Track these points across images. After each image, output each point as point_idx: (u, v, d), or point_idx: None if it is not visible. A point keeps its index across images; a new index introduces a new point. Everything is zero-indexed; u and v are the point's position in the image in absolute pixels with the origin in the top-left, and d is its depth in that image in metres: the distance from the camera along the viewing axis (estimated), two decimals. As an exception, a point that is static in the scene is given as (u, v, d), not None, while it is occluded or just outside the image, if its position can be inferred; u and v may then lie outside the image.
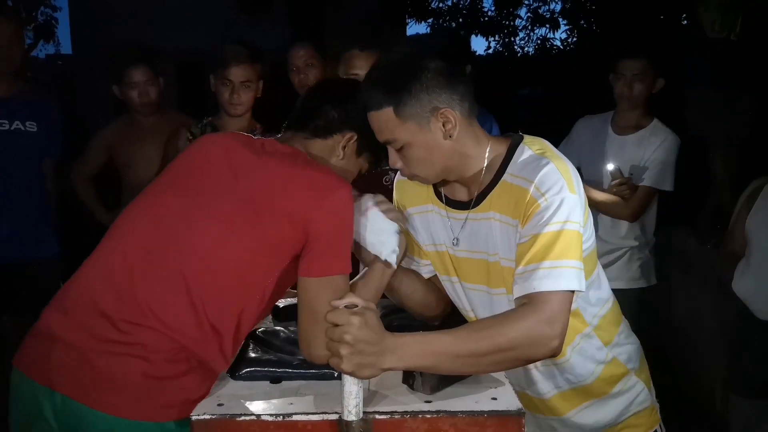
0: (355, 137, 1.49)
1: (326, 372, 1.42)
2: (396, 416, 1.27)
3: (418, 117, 1.32)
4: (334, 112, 1.48)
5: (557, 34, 10.55)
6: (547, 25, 10.59)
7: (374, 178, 2.18)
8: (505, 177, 1.37)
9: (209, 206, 1.38)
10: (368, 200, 1.49)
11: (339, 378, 1.23)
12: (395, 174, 2.16)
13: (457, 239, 1.46)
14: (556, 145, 2.88)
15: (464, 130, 1.36)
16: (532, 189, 1.31)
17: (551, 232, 1.27)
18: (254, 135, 2.54)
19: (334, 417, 1.26)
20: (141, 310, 1.32)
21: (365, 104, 1.37)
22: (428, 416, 1.26)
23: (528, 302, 1.26)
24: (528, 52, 10.97)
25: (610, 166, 2.59)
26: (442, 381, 1.37)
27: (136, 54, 2.94)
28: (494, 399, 1.32)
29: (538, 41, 10.86)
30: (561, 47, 10.75)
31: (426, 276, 1.60)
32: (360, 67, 2.24)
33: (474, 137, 1.39)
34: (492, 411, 1.27)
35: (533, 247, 1.28)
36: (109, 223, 2.75)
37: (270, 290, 1.40)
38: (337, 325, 1.16)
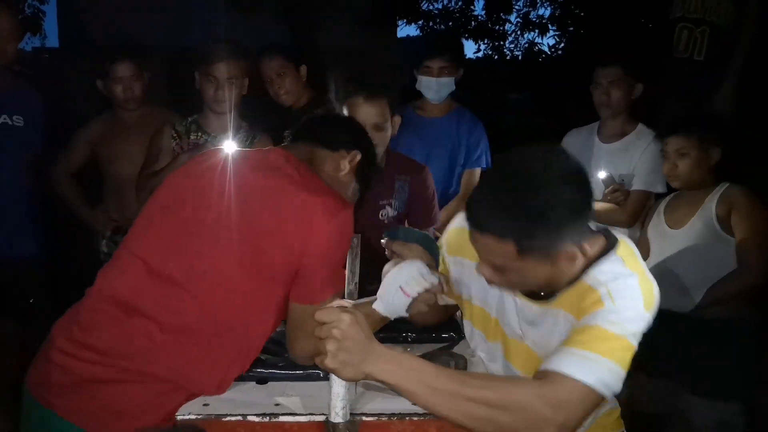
0: (359, 158, 1.59)
1: (312, 372, 1.42)
2: (383, 418, 1.28)
3: (540, 255, 1.21)
4: (343, 132, 1.63)
5: (545, 39, 10.57)
6: (536, 30, 10.64)
7: (371, 213, 2.18)
8: (584, 278, 1.28)
9: (209, 241, 1.40)
10: (407, 273, 1.45)
11: (326, 379, 1.23)
12: (391, 209, 2.19)
13: (522, 331, 1.39)
14: None
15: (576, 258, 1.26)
16: (602, 291, 1.24)
17: (610, 332, 1.19)
18: (241, 133, 2.55)
19: (321, 418, 1.26)
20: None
21: (473, 223, 1.23)
22: (415, 418, 1.27)
23: (543, 377, 1.17)
24: (517, 56, 11.02)
25: (602, 175, 2.64)
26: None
27: (122, 49, 2.90)
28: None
29: (527, 45, 10.91)
30: (549, 53, 10.80)
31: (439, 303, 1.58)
32: (365, 115, 2.13)
33: (577, 260, 1.26)
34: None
35: (581, 335, 1.20)
36: (90, 220, 2.75)
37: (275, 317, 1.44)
38: (325, 323, 1.15)
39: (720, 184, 2.32)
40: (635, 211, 2.62)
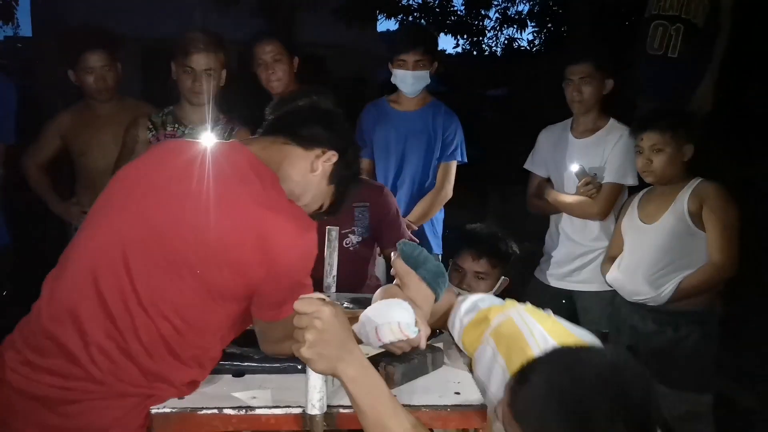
0: (335, 159, 1.46)
1: (289, 366, 1.42)
2: (360, 410, 1.27)
3: None
4: (320, 128, 1.46)
5: (524, 35, 10.66)
6: (515, 26, 10.69)
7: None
8: None
9: (161, 253, 1.28)
10: (393, 316, 1.37)
11: (303, 372, 1.23)
12: (355, 236, 2.12)
13: None
14: (523, 153, 2.90)
15: None
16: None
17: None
18: (218, 126, 2.52)
19: (298, 411, 1.26)
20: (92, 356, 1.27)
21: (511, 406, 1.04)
22: (392, 411, 1.26)
23: None
24: (496, 52, 11.07)
25: (575, 167, 2.68)
26: (406, 375, 1.38)
27: (93, 38, 2.81)
28: (457, 393, 1.34)
29: (506, 41, 10.97)
30: (528, 48, 10.87)
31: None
32: None
33: None
34: (455, 405, 1.30)
35: None
36: (62, 212, 2.64)
37: (220, 332, 1.37)
38: (306, 313, 1.13)
39: (692, 180, 2.35)
40: (607, 204, 2.66)
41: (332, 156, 1.45)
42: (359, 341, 1.32)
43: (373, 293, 1.51)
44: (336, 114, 1.54)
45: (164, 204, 1.31)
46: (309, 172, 1.44)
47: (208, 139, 2.35)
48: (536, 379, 1.02)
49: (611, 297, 2.69)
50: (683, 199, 2.33)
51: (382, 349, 1.44)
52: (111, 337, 1.26)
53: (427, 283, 1.45)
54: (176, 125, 2.56)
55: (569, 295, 2.78)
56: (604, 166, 2.67)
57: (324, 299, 1.16)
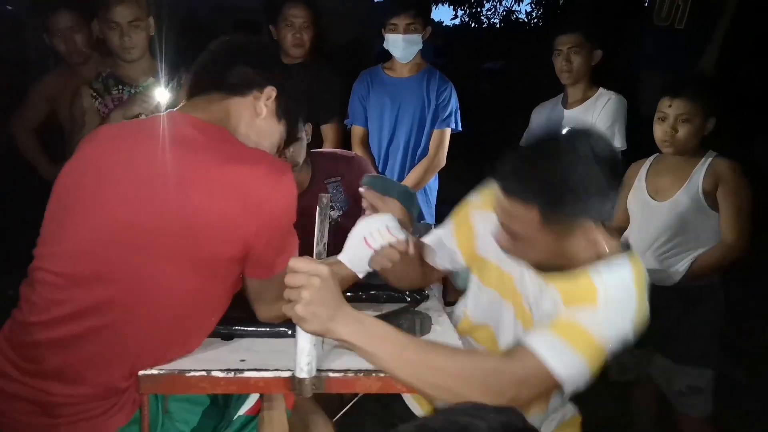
0: (275, 94, 1.40)
1: (279, 330, 1.41)
2: (349, 374, 1.27)
3: (560, 226, 1.22)
4: (248, 68, 1.39)
5: (522, 7, 10.55)
6: (514, -3, 10.60)
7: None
8: (590, 270, 1.27)
9: (131, 234, 1.22)
10: (373, 225, 1.41)
11: (292, 336, 1.22)
12: (335, 211, 2.14)
13: (533, 298, 1.40)
14: (521, 126, 2.87)
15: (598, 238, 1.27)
16: (600, 289, 1.23)
17: (594, 333, 1.20)
18: (163, 78, 2.38)
19: (287, 374, 1.25)
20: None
21: (502, 186, 1.24)
22: (381, 374, 1.26)
23: (514, 351, 1.20)
24: (494, 23, 10.97)
25: (563, 132, 2.66)
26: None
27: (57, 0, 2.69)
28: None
29: (504, 13, 10.86)
30: (526, 20, 10.77)
31: (435, 262, 1.59)
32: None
33: (592, 243, 1.27)
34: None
35: (566, 325, 1.21)
36: (53, 177, 2.54)
37: (218, 305, 1.34)
38: (301, 272, 1.11)
39: (706, 154, 2.25)
40: None
41: (271, 92, 1.39)
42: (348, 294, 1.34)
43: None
44: (254, 46, 1.45)
45: (128, 196, 1.24)
46: (256, 117, 1.39)
47: (159, 93, 2.28)
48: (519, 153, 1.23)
49: None
50: (698, 177, 2.22)
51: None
52: (95, 342, 1.23)
53: (402, 202, 1.51)
54: (120, 87, 2.45)
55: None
56: None
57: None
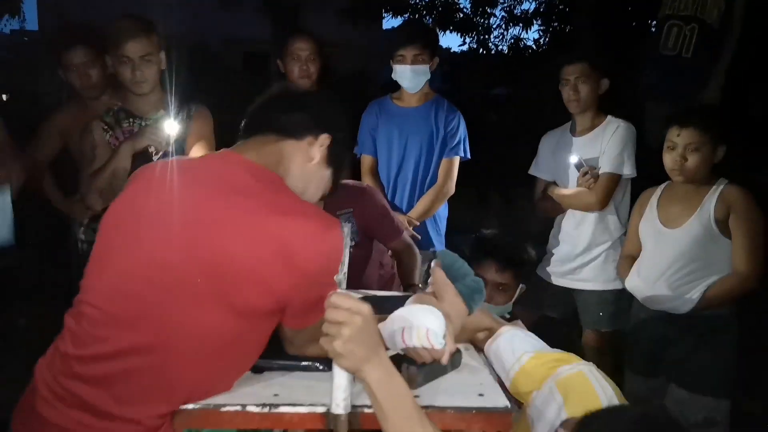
0: (329, 140, 1.40)
1: (310, 365, 1.40)
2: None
3: None
4: (303, 113, 1.39)
5: (530, 34, 10.63)
6: (521, 24, 10.68)
7: None
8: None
9: (171, 278, 1.22)
10: (424, 320, 1.32)
11: (323, 370, 1.22)
12: (348, 240, 2.10)
13: None
14: (527, 156, 2.88)
15: None
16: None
17: None
18: (173, 110, 2.41)
19: (322, 409, 1.24)
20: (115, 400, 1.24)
21: None
22: (416, 413, 1.25)
23: None
24: (502, 50, 11.05)
25: (573, 159, 2.71)
26: (427, 376, 1.37)
27: (73, 34, 2.75)
28: (481, 395, 1.32)
29: (512, 40, 10.95)
30: (534, 47, 10.84)
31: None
32: None
33: None
34: (480, 408, 1.28)
35: None
36: (66, 209, 2.52)
37: (254, 349, 1.34)
38: (343, 308, 1.11)
39: (717, 181, 2.26)
40: (604, 194, 2.65)
41: (325, 139, 1.39)
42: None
43: (386, 285, 1.49)
44: (311, 94, 1.48)
45: (166, 237, 1.24)
46: (308, 162, 1.38)
47: (169, 126, 2.31)
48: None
49: (613, 297, 2.67)
50: (710, 204, 2.23)
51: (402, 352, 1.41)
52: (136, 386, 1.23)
53: (464, 298, 1.42)
54: (131, 120, 2.47)
55: (570, 292, 2.78)
56: (599, 157, 2.69)
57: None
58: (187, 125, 2.43)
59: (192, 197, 1.27)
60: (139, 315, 1.23)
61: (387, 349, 1.28)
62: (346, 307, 1.11)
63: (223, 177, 1.29)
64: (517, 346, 1.48)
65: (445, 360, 1.34)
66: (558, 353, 1.46)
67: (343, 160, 1.47)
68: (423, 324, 1.30)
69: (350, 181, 2.46)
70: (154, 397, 1.24)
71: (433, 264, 1.47)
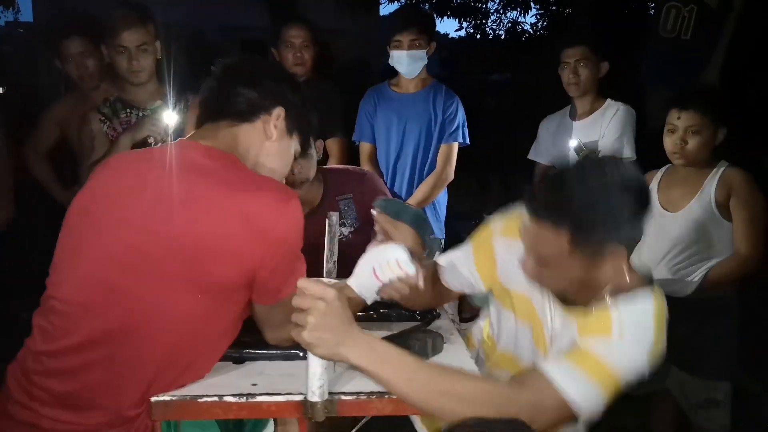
0: (283, 113, 1.39)
1: (291, 352, 1.40)
2: (361, 397, 1.26)
3: (589, 252, 1.21)
4: (252, 92, 1.38)
5: (527, 18, 10.55)
6: (518, 9, 10.61)
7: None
8: (611, 305, 1.28)
9: (142, 262, 1.22)
10: (383, 257, 1.38)
11: (304, 359, 1.21)
12: (347, 228, 2.11)
13: (553, 331, 1.42)
14: (526, 142, 2.88)
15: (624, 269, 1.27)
16: (615, 318, 1.24)
17: (609, 365, 1.20)
18: (171, 100, 2.39)
19: (299, 398, 1.24)
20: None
21: (531, 210, 1.24)
22: (394, 397, 1.25)
23: (529, 377, 1.20)
24: (499, 35, 10.98)
25: (573, 143, 2.70)
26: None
27: (68, 24, 2.73)
28: (460, 380, 1.32)
29: (509, 25, 10.88)
30: (531, 32, 10.78)
31: (450, 285, 1.60)
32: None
33: (617, 273, 1.26)
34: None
35: (581, 355, 1.22)
36: (64, 200, 2.51)
37: (228, 330, 1.34)
38: (308, 295, 1.11)
39: (718, 164, 2.25)
40: None
41: (279, 113, 1.39)
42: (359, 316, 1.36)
43: None
44: (257, 68, 1.44)
45: (137, 222, 1.25)
46: (266, 140, 1.38)
47: (167, 116, 2.29)
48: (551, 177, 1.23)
49: None
50: (710, 188, 2.21)
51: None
52: (109, 369, 1.23)
53: (413, 228, 1.49)
54: (128, 110, 2.48)
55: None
56: (598, 140, 2.69)
57: (326, 283, 1.14)
58: (185, 115, 2.42)
59: (154, 182, 1.28)
60: (109, 301, 1.23)
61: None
62: (311, 292, 1.10)
63: (182, 161, 1.30)
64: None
65: (421, 284, 1.38)
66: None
67: (304, 122, 1.46)
68: (389, 257, 1.35)
69: (351, 167, 2.46)
70: (129, 385, 1.24)
71: (374, 213, 1.52)
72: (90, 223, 1.29)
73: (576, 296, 1.33)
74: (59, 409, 1.23)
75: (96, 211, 1.30)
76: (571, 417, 1.18)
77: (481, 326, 1.68)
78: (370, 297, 1.40)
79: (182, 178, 1.27)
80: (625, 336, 1.23)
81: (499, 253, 1.51)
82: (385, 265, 1.35)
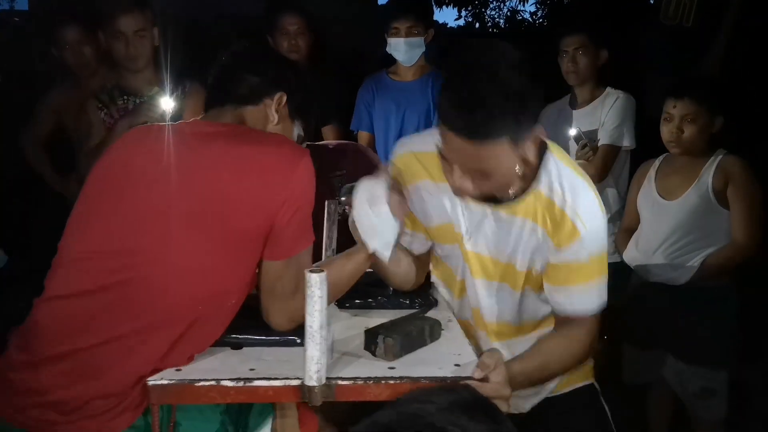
0: (285, 98, 1.44)
1: (288, 339, 1.40)
2: (359, 382, 1.26)
3: (522, 142, 1.26)
4: (254, 77, 1.43)
5: (527, 7, 10.50)
6: (518, -3, 10.59)
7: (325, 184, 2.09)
8: (539, 186, 1.40)
9: (165, 222, 1.27)
10: (380, 187, 1.42)
11: (301, 345, 1.21)
12: (341, 177, 2.10)
13: (470, 233, 1.47)
14: None
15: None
16: (570, 213, 1.38)
17: (594, 258, 1.41)
18: (168, 86, 2.40)
19: (296, 383, 1.24)
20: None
21: (466, 135, 1.22)
22: (391, 382, 1.25)
23: (567, 323, 1.46)
24: (498, 24, 10.95)
25: (572, 131, 2.70)
26: (404, 347, 1.37)
27: (64, 12, 2.75)
28: (457, 366, 1.32)
29: (509, 13, 10.85)
30: (530, 20, 10.75)
31: (416, 251, 1.60)
32: None
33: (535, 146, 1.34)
34: (454, 378, 1.28)
35: (573, 272, 1.42)
36: (62, 189, 2.53)
37: (240, 287, 1.35)
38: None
39: (715, 152, 2.25)
40: (603, 166, 2.65)
41: (281, 98, 1.45)
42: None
43: None
44: (259, 54, 1.53)
45: (158, 184, 1.29)
46: (269, 124, 1.45)
47: (164, 102, 2.29)
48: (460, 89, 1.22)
49: (611, 270, 2.67)
50: (707, 176, 2.21)
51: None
52: (116, 327, 1.25)
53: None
54: (125, 97, 2.47)
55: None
56: (597, 128, 2.68)
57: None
58: (182, 102, 2.41)
59: (171, 148, 1.33)
60: (126, 254, 1.27)
61: None
62: (487, 393, 1.21)
63: (196, 130, 1.37)
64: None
65: (406, 194, 1.46)
66: None
67: (305, 107, 1.51)
68: (366, 183, 1.41)
69: (344, 142, 2.45)
70: (128, 363, 1.24)
71: (344, 202, 1.51)
72: (108, 191, 1.34)
73: (508, 191, 1.38)
74: (60, 376, 1.23)
75: (114, 180, 1.35)
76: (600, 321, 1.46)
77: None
78: (384, 243, 1.41)
79: (198, 141, 1.33)
80: (587, 223, 1.37)
81: (412, 199, 1.52)
82: (372, 187, 1.40)
